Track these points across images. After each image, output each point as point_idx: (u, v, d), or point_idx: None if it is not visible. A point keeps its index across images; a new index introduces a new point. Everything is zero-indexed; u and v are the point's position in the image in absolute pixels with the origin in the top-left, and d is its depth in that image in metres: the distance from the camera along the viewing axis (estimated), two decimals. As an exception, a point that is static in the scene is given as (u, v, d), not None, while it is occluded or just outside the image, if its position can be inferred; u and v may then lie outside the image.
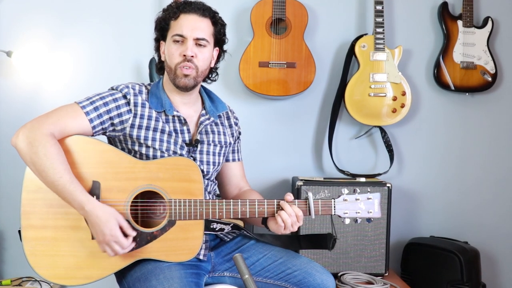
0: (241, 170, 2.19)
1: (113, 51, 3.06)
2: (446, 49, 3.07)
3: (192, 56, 1.90)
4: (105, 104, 1.86)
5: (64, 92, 3.03)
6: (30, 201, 1.78)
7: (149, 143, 1.89)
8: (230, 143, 2.11)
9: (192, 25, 1.91)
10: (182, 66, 1.90)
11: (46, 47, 3.02)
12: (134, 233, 1.77)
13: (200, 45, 1.92)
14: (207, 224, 1.89)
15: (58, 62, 3.04)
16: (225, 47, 2.08)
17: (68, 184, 1.71)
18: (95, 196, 1.76)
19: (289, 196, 1.86)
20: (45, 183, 1.74)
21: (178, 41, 1.91)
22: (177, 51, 1.91)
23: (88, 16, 3.03)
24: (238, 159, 2.17)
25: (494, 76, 3.07)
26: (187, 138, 1.96)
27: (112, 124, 1.88)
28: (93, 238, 1.78)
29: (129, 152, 1.92)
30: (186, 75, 1.91)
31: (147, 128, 1.90)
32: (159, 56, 2.04)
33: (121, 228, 1.75)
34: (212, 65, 2.04)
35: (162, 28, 1.97)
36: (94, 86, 2.15)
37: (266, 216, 1.87)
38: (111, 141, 1.97)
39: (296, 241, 2.06)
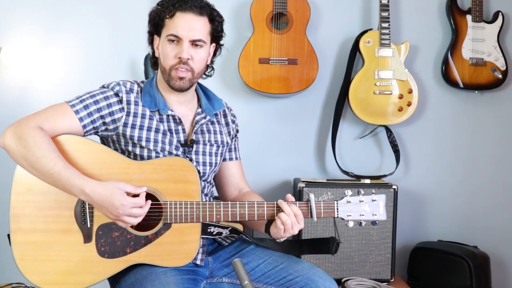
0: (240, 170, 2.16)
1: (107, 47, 3.04)
2: (454, 45, 3.05)
3: (188, 59, 1.87)
4: (96, 102, 1.84)
5: (56, 90, 3.01)
6: (20, 204, 1.76)
7: (143, 143, 1.86)
8: (227, 143, 2.08)
9: (189, 25, 1.86)
10: (177, 68, 1.87)
11: (37, 43, 3.00)
12: (144, 189, 1.73)
13: (196, 45, 1.88)
14: (204, 228, 1.87)
15: (49, 59, 3.02)
16: (222, 41, 2.03)
17: (63, 170, 1.69)
18: None
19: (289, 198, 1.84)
20: (39, 176, 1.71)
21: (173, 41, 1.87)
22: (172, 52, 1.87)
23: (81, 11, 3.01)
24: (236, 158, 2.15)
25: (505, 73, 3.06)
26: (182, 139, 1.93)
27: (104, 123, 1.85)
28: (85, 242, 1.75)
29: (123, 152, 1.89)
30: (181, 78, 1.88)
31: (141, 127, 1.87)
32: (153, 51, 2.00)
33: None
34: (208, 62, 2.01)
35: (156, 24, 1.92)
36: (87, 84, 2.12)
37: (265, 218, 1.84)
38: (104, 141, 1.95)
39: (297, 246, 2.03)
